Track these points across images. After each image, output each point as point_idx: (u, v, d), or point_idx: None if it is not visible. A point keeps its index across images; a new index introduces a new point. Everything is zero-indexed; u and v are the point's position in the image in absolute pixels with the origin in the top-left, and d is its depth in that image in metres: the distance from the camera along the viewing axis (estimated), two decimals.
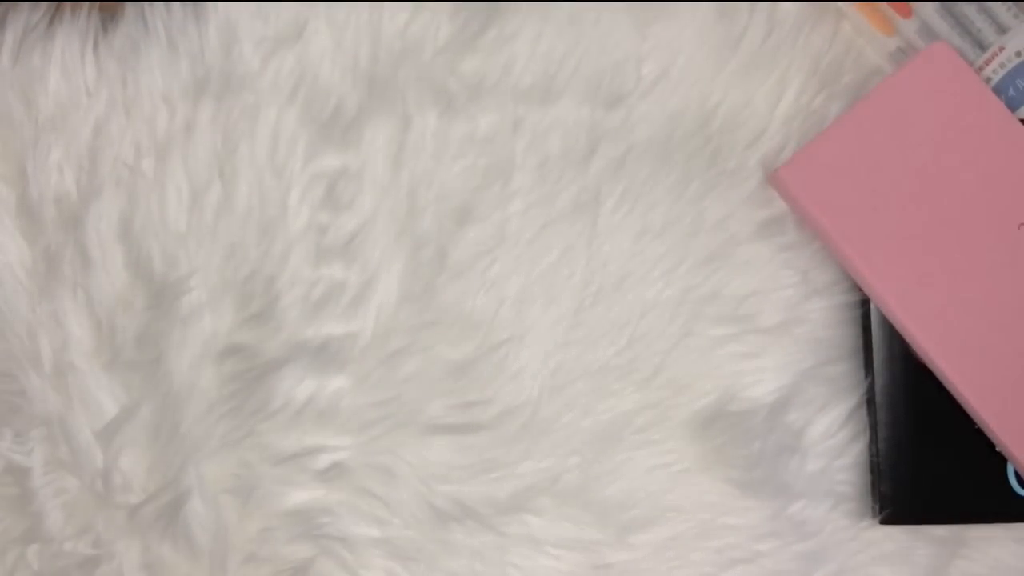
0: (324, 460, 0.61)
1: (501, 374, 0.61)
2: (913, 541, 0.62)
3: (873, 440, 0.60)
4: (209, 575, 0.61)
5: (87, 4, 0.63)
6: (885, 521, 0.60)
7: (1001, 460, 0.60)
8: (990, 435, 0.58)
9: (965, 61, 0.59)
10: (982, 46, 0.61)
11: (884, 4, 0.61)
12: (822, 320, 0.62)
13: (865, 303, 0.61)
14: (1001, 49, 0.60)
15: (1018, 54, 0.60)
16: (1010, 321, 0.58)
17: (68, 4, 0.63)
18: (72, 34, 0.62)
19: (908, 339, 0.59)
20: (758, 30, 0.62)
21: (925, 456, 0.60)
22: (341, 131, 0.62)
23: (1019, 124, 0.58)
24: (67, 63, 0.62)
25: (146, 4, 0.62)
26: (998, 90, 0.60)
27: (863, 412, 0.62)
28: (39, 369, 0.61)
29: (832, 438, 0.62)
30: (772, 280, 0.62)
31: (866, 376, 0.61)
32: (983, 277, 0.58)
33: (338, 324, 0.61)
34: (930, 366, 0.59)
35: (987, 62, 0.60)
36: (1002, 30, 0.61)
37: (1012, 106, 0.60)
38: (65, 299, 0.61)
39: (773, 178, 0.59)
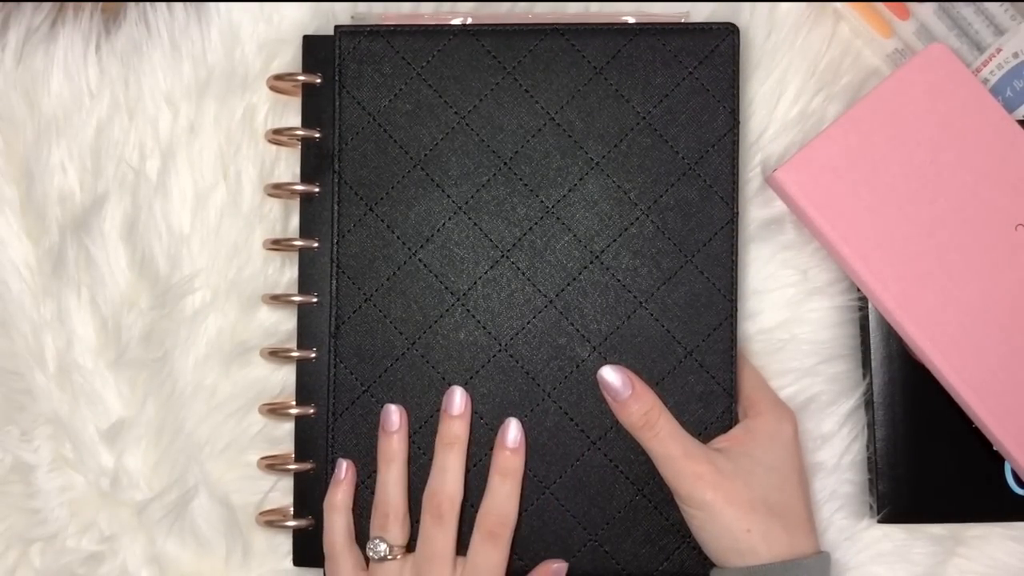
0: None
1: None
2: (911, 540, 0.62)
3: (871, 439, 0.61)
4: (213, 571, 0.62)
5: (89, 5, 0.63)
6: (883, 520, 0.60)
7: (998, 459, 0.60)
8: (987, 434, 0.58)
9: (963, 62, 0.59)
10: (980, 47, 0.61)
11: (882, 5, 0.61)
12: (822, 320, 0.62)
13: (864, 303, 0.61)
14: (999, 50, 0.60)
15: (1015, 55, 0.60)
16: (1007, 321, 0.58)
17: (71, 5, 0.63)
18: (75, 35, 0.62)
19: (906, 339, 0.59)
20: (758, 30, 0.62)
21: (923, 455, 0.60)
22: None
23: (1016, 125, 0.58)
24: (70, 64, 0.62)
25: (148, 5, 0.62)
26: (996, 91, 0.60)
27: (862, 412, 0.62)
28: (44, 368, 0.62)
29: (832, 438, 0.62)
30: (772, 280, 0.62)
31: (864, 376, 0.61)
32: (980, 277, 0.58)
33: None
34: (928, 366, 0.59)
35: (985, 63, 0.60)
36: (1000, 31, 0.61)
37: (1010, 107, 0.61)
38: (70, 298, 0.62)
39: (771, 179, 0.59)
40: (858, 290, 0.60)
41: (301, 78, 0.60)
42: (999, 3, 0.61)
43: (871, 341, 0.60)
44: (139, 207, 0.62)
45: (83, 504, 0.62)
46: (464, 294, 0.58)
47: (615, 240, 0.58)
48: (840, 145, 0.58)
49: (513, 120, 0.58)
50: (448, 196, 0.58)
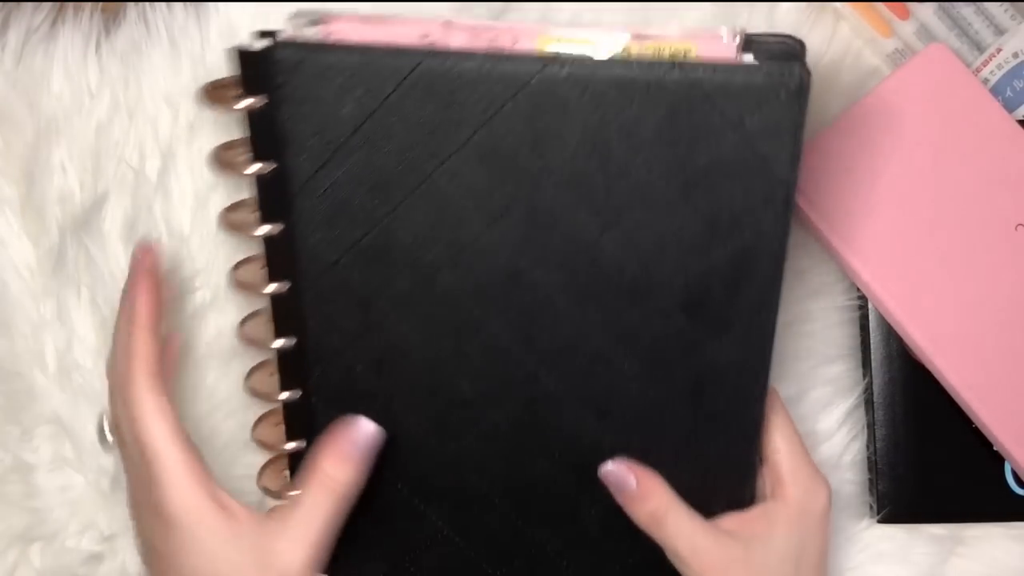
0: None
1: None
2: (911, 540, 0.62)
3: (871, 439, 0.61)
4: None
5: (89, 5, 0.63)
6: (883, 520, 0.60)
7: (999, 459, 0.60)
8: (987, 434, 0.58)
9: (963, 62, 0.59)
10: (980, 47, 0.61)
11: (882, 5, 0.62)
12: (822, 320, 0.62)
13: (864, 303, 0.61)
14: (999, 50, 0.60)
15: (1016, 55, 0.60)
16: (1007, 321, 0.58)
17: (70, 5, 0.63)
18: (74, 35, 0.62)
19: (905, 339, 0.59)
20: (757, 31, 0.62)
21: (923, 455, 0.60)
22: None
23: (1016, 125, 0.58)
24: (69, 64, 0.62)
25: (148, 5, 0.62)
26: (996, 91, 0.60)
27: (862, 412, 0.62)
28: (44, 368, 0.62)
29: (831, 438, 0.62)
30: None
31: (864, 376, 0.61)
32: (980, 278, 0.58)
33: None
34: (928, 366, 0.59)
35: (985, 63, 0.61)
36: (1000, 31, 0.61)
37: (1010, 107, 0.61)
38: (70, 298, 0.62)
39: None
40: (858, 290, 0.61)
41: (245, 103, 0.50)
42: (999, 3, 0.61)
43: (871, 341, 0.60)
44: (139, 207, 0.62)
45: (83, 504, 0.62)
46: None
47: None
48: (840, 145, 0.58)
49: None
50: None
